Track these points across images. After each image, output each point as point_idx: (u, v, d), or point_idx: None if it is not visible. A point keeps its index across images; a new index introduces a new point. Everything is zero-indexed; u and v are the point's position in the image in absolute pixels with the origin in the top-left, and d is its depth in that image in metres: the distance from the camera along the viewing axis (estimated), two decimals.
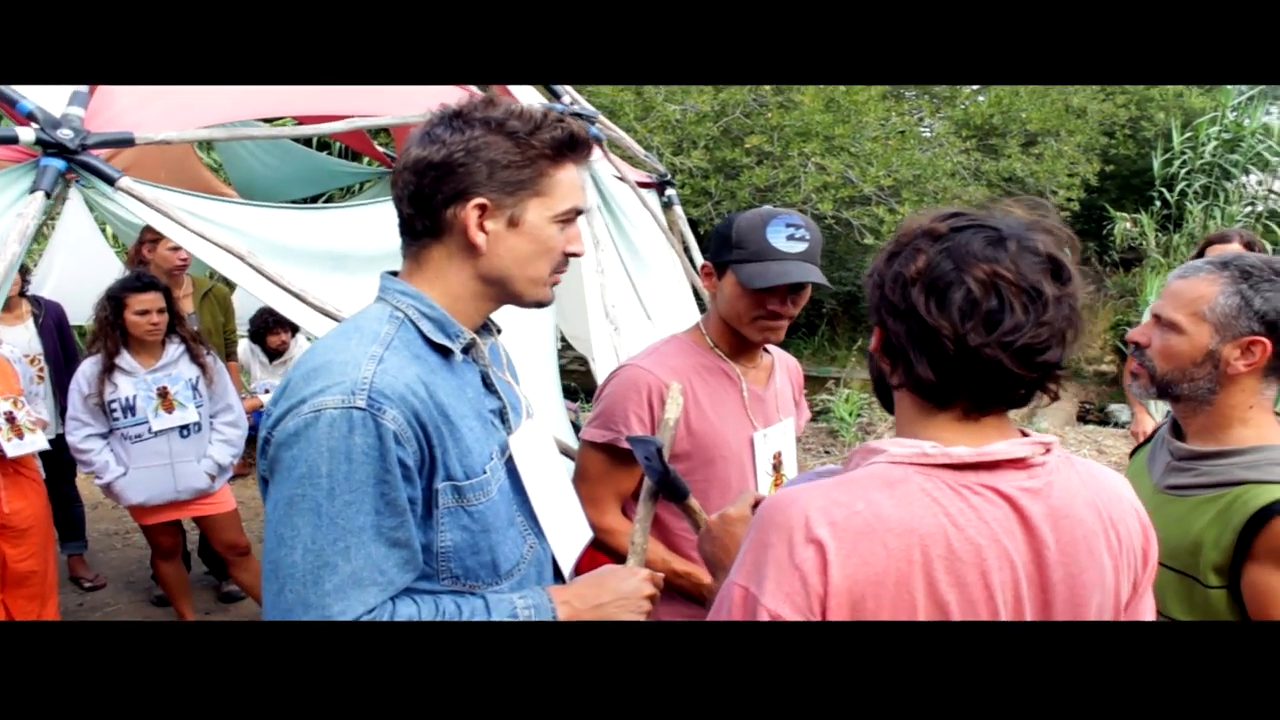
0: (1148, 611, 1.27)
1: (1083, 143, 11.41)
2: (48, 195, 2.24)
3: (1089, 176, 11.30)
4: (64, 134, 2.29)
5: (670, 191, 4.29)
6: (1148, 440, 2.02)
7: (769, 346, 2.18)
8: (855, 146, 8.90)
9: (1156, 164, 12.63)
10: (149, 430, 3.78)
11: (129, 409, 3.76)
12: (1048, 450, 1.16)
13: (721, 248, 1.98)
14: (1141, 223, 12.25)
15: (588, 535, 1.75)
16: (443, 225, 1.38)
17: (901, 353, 1.14)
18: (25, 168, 2.28)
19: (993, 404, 1.15)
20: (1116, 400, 9.91)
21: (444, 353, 1.41)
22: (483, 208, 1.37)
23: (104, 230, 6.01)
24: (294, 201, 6.01)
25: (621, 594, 1.51)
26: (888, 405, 1.27)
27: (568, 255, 1.47)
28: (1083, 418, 9.62)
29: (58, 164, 2.27)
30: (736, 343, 2.06)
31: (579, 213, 1.46)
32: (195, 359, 3.91)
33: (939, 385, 1.12)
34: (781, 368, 2.25)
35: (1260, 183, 13.14)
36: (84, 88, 2.44)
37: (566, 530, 1.64)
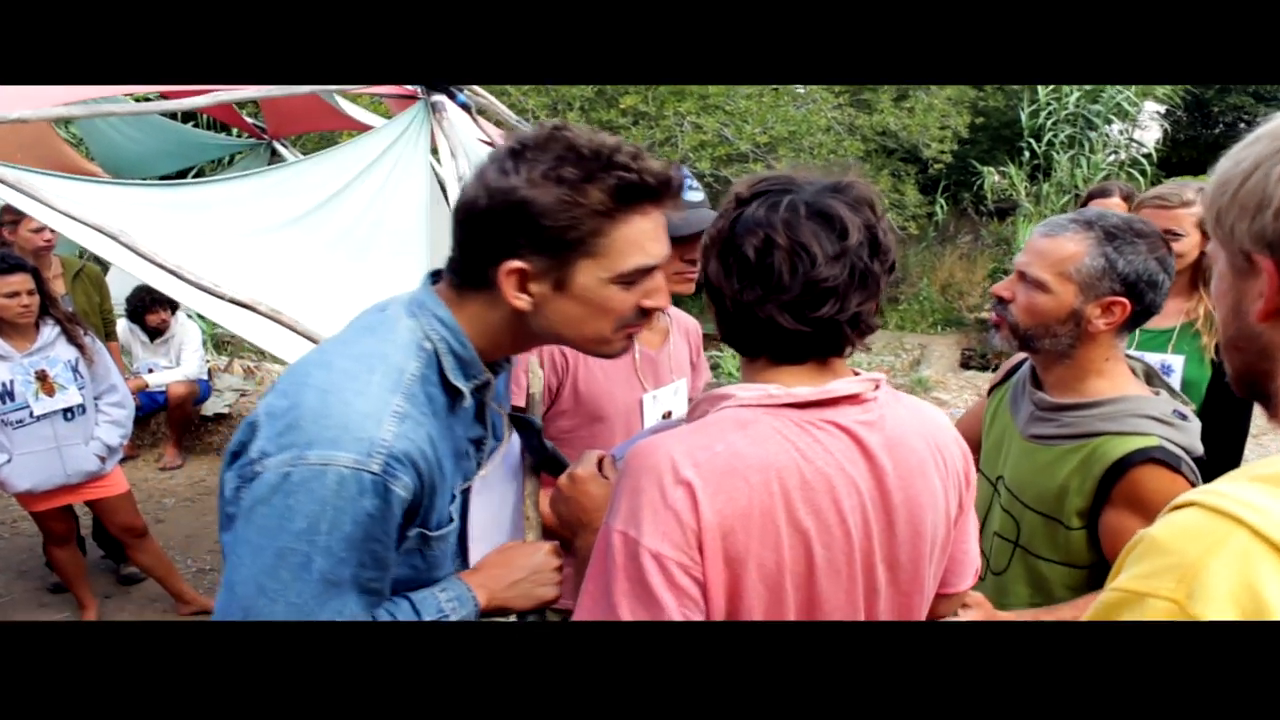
0: (971, 525, 1.42)
1: (953, 96, 11.79)
2: None
3: (960, 129, 11.71)
4: None
5: None
6: (1006, 378, 2.12)
7: (670, 309, 2.19)
8: (730, 105, 9.10)
9: (1024, 116, 13.13)
10: (30, 415, 3.73)
11: (7, 394, 3.71)
12: (877, 386, 1.26)
13: None
14: (1010, 174, 12.78)
15: None
16: (483, 280, 1.24)
17: (712, 307, 1.27)
18: None
19: (789, 358, 1.23)
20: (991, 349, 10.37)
21: (453, 392, 1.29)
22: (521, 272, 1.21)
23: None
24: (163, 176, 5.89)
25: (533, 569, 1.44)
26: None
27: (644, 311, 1.28)
28: (965, 364, 10.00)
29: None
30: None
31: (650, 270, 1.25)
32: (72, 340, 3.85)
33: (732, 336, 1.26)
34: (679, 330, 2.29)
35: (1122, 132, 13.81)
36: None
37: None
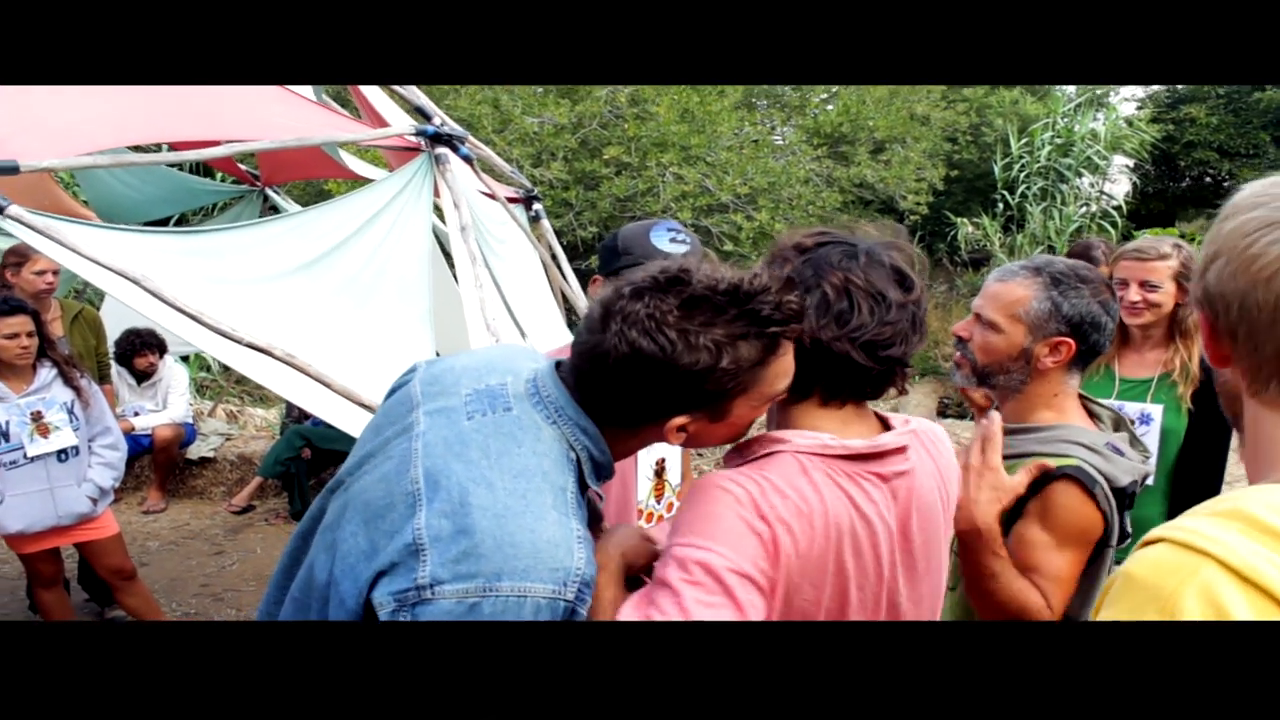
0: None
1: (928, 149, 12.09)
2: None
3: (935, 181, 11.99)
4: None
5: (537, 206, 4.52)
6: None
7: None
8: (711, 156, 9.28)
9: (997, 168, 13.44)
10: (24, 456, 3.75)
11: (2, 435, 3.71)
12: (915, 434, 1.37)
13: (610, 259, 2.08)
14: (984, 225, 13.04)
15: None
16: (637, 425, 1.28)
17: None
18: None
19: (843, 395, 1.32)
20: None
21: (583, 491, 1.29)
22: (683, 426, 1.25)
23: None
24: (155, 221, 5.95)
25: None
26: None
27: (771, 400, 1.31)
28: (942, 412, 10.14)
29: None
30: None
31: (785, 391, 1.29)
32: (69, 382, 3.88)
33: (797, 377, 1.27)
34: None
35: (1093, 185, 14.17)
36: None
37: None
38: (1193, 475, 2.78)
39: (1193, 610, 0.80)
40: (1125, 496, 1.84)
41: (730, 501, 1.19)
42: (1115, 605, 0.88)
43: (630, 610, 1.19)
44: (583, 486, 1.27)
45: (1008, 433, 1.94)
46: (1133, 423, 2.11)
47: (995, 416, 1.81)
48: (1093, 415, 2.00)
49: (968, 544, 1.74)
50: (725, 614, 1.12)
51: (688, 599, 1.13)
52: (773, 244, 1.38)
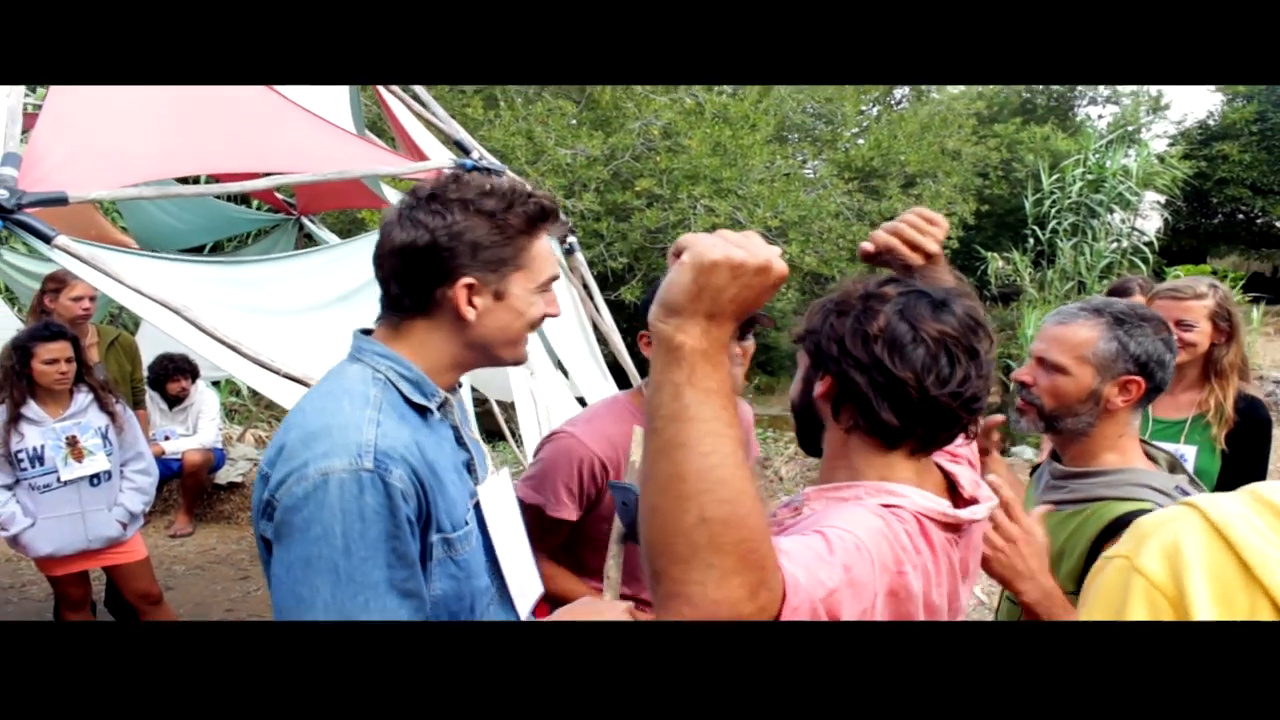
0: None
1: (959, 183, 12.10)
2: None
3: (966, 216, 11.98)
4: (0, 194, 2.39)
5: (572, 239, 4.52)
6: (1037, 468, 2.26)
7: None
8: (742, 189, 9.30)
9: (1028, 204, 13.40)
10: (58, 480, 3.77)
11: (37, 459, 3.75)
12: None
13: None
14: (1014, 260, 12.99)
15: (539, 588, 1.81)
16: (430, 303, 1.46)
17: (862, 400, 1.26)
18: None
19: (936, 444, 1.32)
20: (1000, 430, 10.41)
21: (421, 411, 1.47)
22: (471, 286, 1.43)
23: None
24: (191, 249, 6.02)
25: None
26: (811, 444, 1.42)
27: (545, 317, 1.55)
28: None
29: None
30: None
31: (555, 279, 1.54)
32: (104, 407, 3.92)
33: (899, 429, 1.26)
34: None
35: (1124, 220, 14.12)
36: (17, 150, 2.54)
37: (523, 576, 1.73)
38: None
39: (1154, 543, 0.96)
40: None
41: (882, 526, 1.19)
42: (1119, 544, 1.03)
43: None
44: (417, 409, 1.46)
45: (1071, 476, 1.95)
46: None
47: (993, 479, 1.77)
48: (1150, 458, 1.98)
49: (1040, 614, 1.70)
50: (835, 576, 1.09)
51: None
52: (838, 292, 1.35)
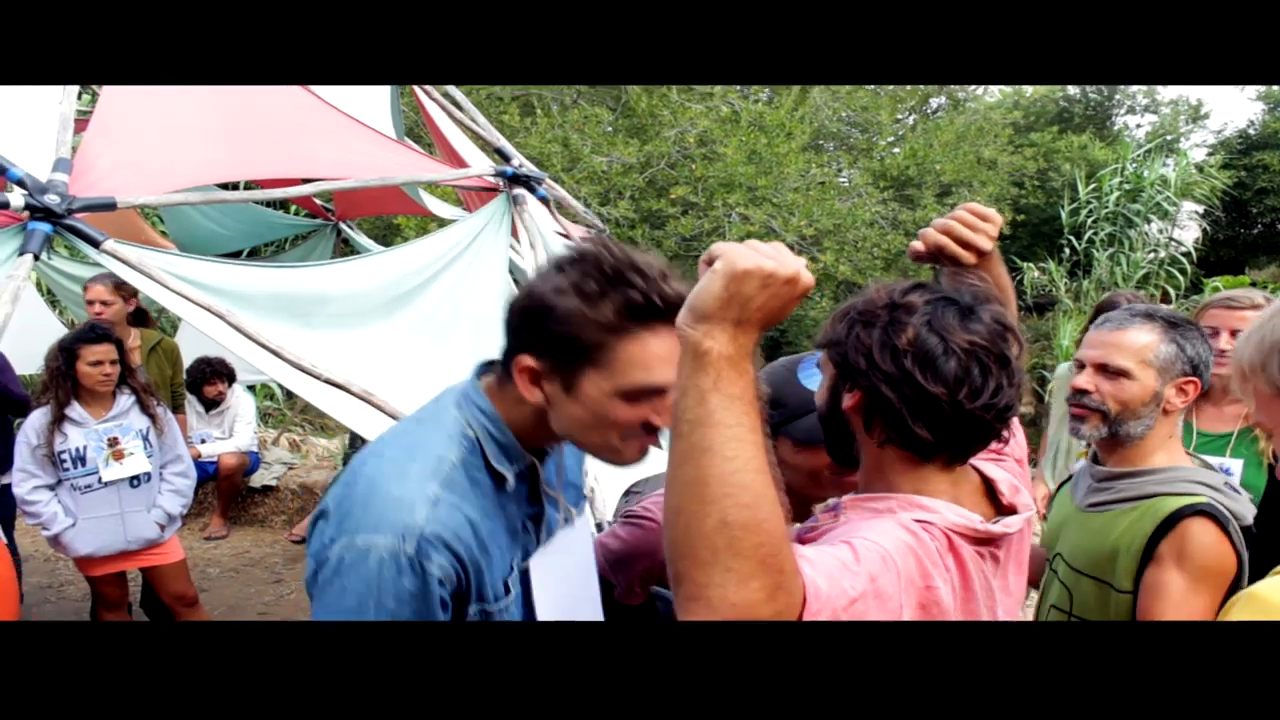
0: None
1: (994, 193, 12.01)
2: (35, 257, 2.36)
3: (1001, 225, 11.88)
4: (50, 199, 2.41)
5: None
6: (1068, 479, 2.25)
7: None
8: (777, 197, 9.28)
9: (1064, 213, 13.27)
10: (99, 480, 3.81)
11: (79, 459, 3.79)
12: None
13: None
14: (1050, 270, 12.86)
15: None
16: (507, 370, 1.33)
17: (894, 415, 1.23)
18: (13, 231, 2.40)
19: (970, 454, 1.30)
20: (1034, 442, 10.29)
21: (498, 478, 1.37)
22: (532, 370, 1.29)
23: (38, 285, 6.01)
24: (230, 254, 6.08)
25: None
26: (840, 453, 1.39)
27: (653, 426, 1.30)
28: None
29: (45, 228, 2.39)
30: None
31: (656, 390, 1.25)
32: (146, 410, 3.96)
33: (933, 443, 1.23)
34: None
35: (1161, 231, 13.95)
36: (67, 155, 2.57)
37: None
38: (1274, 531, 2.67)
39: None
40: (1250, 536, 1.84)
41: (911, 540, 1.17)
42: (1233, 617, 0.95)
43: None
44: (495, 475, 1.35)
45: (1118, 476, 1.98)
46: None
47: None
48: None
49: None
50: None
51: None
52: (860, 301, 1.31)
